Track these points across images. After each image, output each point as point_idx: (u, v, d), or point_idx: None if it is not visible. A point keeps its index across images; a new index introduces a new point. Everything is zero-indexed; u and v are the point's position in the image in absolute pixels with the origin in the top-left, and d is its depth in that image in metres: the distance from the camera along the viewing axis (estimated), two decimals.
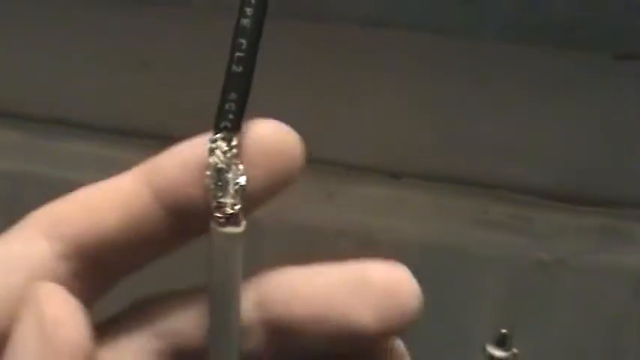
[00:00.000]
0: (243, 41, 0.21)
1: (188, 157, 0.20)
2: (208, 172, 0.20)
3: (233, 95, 0.21)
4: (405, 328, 0.20)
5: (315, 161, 0.42)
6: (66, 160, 0.44)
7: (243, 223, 0.20)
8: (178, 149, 0.21)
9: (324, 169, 0.42)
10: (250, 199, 0.20)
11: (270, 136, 0.21)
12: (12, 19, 0.42)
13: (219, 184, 0.20)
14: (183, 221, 0.20)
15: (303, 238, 0.43)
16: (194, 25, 0.39)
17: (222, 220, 0.20)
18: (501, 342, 0.39)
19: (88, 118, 0.44)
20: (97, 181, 0.45)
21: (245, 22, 0.21)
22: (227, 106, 0.21)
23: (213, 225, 0.20)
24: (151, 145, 0.43)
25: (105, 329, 0.21)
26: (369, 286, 0.20)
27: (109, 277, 0.21)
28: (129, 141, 0.43)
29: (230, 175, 0.20)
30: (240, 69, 0.21)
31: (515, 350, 0.39)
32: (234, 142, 0.20)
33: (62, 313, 0.18)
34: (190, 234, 0.21)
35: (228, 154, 0.20)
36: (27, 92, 0.44)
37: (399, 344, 0.23)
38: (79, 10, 0.40)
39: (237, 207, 0.20)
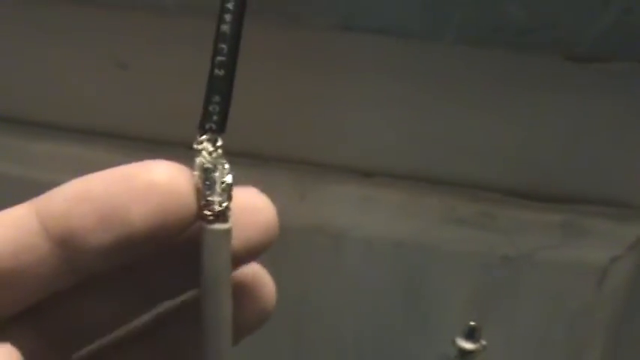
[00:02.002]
0: (224, 46, 0.22)
1: (80, 190, 0.19)
2: (196, 172, 0.21)
3: (216, 98, 0.22)
4: (180, 228, 0.19)
5: (288, 161, 0.43)
6: (39, 161, 0.44)
7: (231, 219, 0.21)
8: (72, 184, 0.19)
9: (297, 169, 0.42)
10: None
11: (248, 208, 0.22)
12: None
13: (207, 183, 0.21)
14: (72, 254, 0.18)
15: (278, 236, 0.43)
16: (171, 27, 0.39)
17: (211, 217, 0.21)
18: (470, 334, 0.40)
19: (63, 119, 0.44)
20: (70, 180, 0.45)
21: (225, 27, 0.22)
22: (211, 108, 0.22)
23: (202, 222, 0.20)
24: (127, 146, 0.44)
25: None
26: (148, 187, 0.18)
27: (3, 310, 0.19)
28: (105, 142, 0.44)
29: (217, 174, 0.21)
30: (222, 72, 0.22)
31: (483, 342, 0.40)
32: (219, 143, 0.21)
33: None
34: (83, 270, 0.19)
35: (214, 155, 0.21)
36: (4, 94, 0.44)
37: (258, 271, 0.23)
38: (54, 10, 0.40)
39: (224, 204, 0.21)
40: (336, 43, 0.38)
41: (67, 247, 0.18)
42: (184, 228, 0.19)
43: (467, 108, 0.39)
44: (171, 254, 0.21)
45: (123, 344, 0.23)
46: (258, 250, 0.22)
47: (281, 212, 0.42)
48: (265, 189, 0.43)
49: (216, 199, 0.21)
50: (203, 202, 0.21)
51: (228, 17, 0.22)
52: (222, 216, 0.21)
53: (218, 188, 0.21)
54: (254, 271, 0.24)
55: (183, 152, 0.41)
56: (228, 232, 0.21)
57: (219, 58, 0.22)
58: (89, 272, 0.19)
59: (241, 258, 0.21)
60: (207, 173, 0.21)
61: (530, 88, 0.37)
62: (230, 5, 0.21)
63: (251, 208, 0.22)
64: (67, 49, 0.42)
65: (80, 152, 0.44)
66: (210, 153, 0.21)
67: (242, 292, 0.22)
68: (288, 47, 0.39)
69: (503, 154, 0.40)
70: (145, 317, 0.23)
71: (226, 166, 0.21)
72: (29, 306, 0.19)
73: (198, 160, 0.21)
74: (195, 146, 0.21)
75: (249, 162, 0.42)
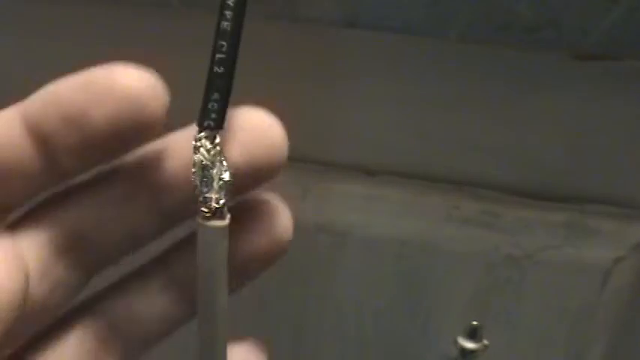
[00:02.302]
0: (224, 43, 0.22)
1: (51, 94, 0.20)
2: (194, 170, 0.21)
3: (215, 95, 0.22)
4: (146, 130, 0.19)
5: (291, 159, 0.43)
6: None
7: (228, 216, 0.21)
8: (48, 88, 0.20)
9: (300, 167, 0.42)
10: (234, 188, 0.21)
11: (255, 127, 0.22)
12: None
13: (205, 180, 0.21)
14: (50, 154, 0.19)
15: None
16: (171, 23, 0.40)
17: (208, 214, 0.21)
18: (472, 334, 0.40)
19: None
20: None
21: (225, 24, 0.22)
22: (210, 106, 0.22)
23: (199, 219, 0.20)
24: None
25: None
26: (108, 90, 0.19)
27: None
28: None
29: (214, 172, 0.21)
30: (221, 70, 0.22)
31: (485, 342, 0.40)
32: (217, 140, 0.21)
33: None
34: (64, 170, 0.20)
35: (212, 152, 0.21)
36: (2, 90, 0.44)
37: (272, 198, 0.23)
38: (55, 6, 0.40)
39: (221, 201, 0.21)
40: (340, 41, 0.38)
41: (45, 148, 0.19)
42: (151, 130, 0.20)
43: (471, 106, 0.39)
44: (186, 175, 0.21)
45: (141, 273, 0.23)
46: (264, 171, 0.22)
47: None
48: (267, 187, 0.43)
49: (213, 195, 0.21)
50: (200, 199, 0.20)
51: (228, 14, 0.22)
52: (219, 213, 0.21)
53: (215, 185, 0.21)
54: (268, 198, 0.24)
55: None
56: (224, 229, 0.21)
57: (219, 55, 0.22)
58: (71, 171, 0.20)
59: (247, 180, 0.21)
60: (204, 170, 0.21)
61: (536, 87, 0.37)
62: (230, 2, 0.21)
63: (257, 125, 0.22)
64: (69, 45, 0.42)
65: None
66: (208, 150, 0.21)
67: (254, 219, 0.22)
68: (290, 44, 0.38)
69: (507, 152, 0.40)
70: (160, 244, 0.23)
71: (224, 163, 0.21)
72: (18, 205, 0.20)
73: (196, 157, 0.21)
74: (193, 143, 0.21)
75: None
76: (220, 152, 0.21)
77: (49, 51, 0.42)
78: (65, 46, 0.42)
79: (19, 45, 0.43)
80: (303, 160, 0.42)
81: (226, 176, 0.21)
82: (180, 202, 0.22)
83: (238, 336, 0.23)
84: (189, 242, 0.23)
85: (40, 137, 0.19)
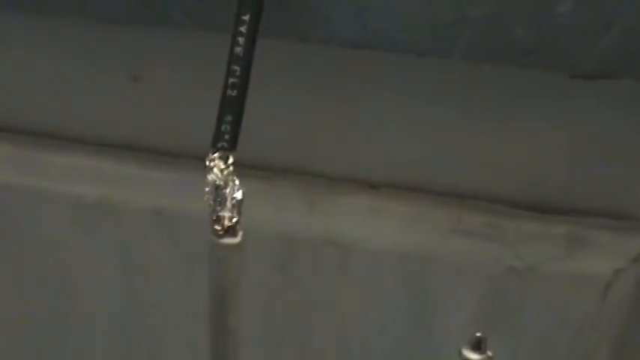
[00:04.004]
0: (237, 68, 0.23)
1: None
2: (207, 189, 0.21)
3: (228, 117, 0.23)
4: None
5: (296, 173, 0.44)
6: (56, 172, 0.45)
7: (240, 234, 0.22)
8: None
9: (305, 181, 0.43)
10: None
11: None
12: (1, 34, 0.43)
13: (218, 199, 0.21)
14: None
15: (283, 248, 0.44)
16: (184, 41, 0.40)
17: (221, 232, 0.21)
18: (476, 346, 0.40)
19: (78, 131, 0.45)
20: (83, 192, 0.46)
21: (238, 50, 0.23)
22: (223, 128, 0.23)
23: (212, 237, 0.21)
24: (140, 158, 0.45)
25: None
26: None
27: None
28: (117, 153, 0.44)
29: (227, 191, 0.22)
30: (234, 93, 0.23)
31: (489, 353, 0.40)
32: (230, 160, 0.22)
33: None
34: None
35: (225, 172, 0.22)
36: (17, 105, 0.45)
37: None
38: (67, 24, 0.41)
39: (234, 219, 0.21)
40: (346, 61, 0.39)
41: None
42: None
43: (473, 121, 0.39)
44: None
45: None
46: None
47: (289, 224, 0.43)
48: (273, 201, 0.44)
49: (226, 214, 0.21)
50: (214, 218, 0.21)
51: (241, 40, 0.23)
52: (232, 231, 0.21)
53: (229, 204, 0.22)
54: None
55: (195, 164, 0.42)
56: (237, 246, 0.22)
57: (232, 79, 0.23)
58: None
59: None
60: (218, 190, 0.22)
61: (536, 104, 0.38)
62: (243, 29, 0.22)
63: None
64: (81, 63, 0.42)
65: (94, 164, 0.44)
66: (221, 170, 0.22)
67: None
68: (298, 64, 0.39)
69: (509, 166, 0.40)
70: None
71: (237, 182, 0.22)
72: None
73: (210, 177, 0.22)
74: (207, 163, 0.22)
75: (258, 174, 0.43)
76: (233, 172, 0.22)
77: (59, 67, 0.43)
78: (74, 63, 0.43)
79: (31, 61, 0.44)
80: (308, 174, 0.43)
81: (239, 195, 0.22)
82: None
83: None
84: None
85: None
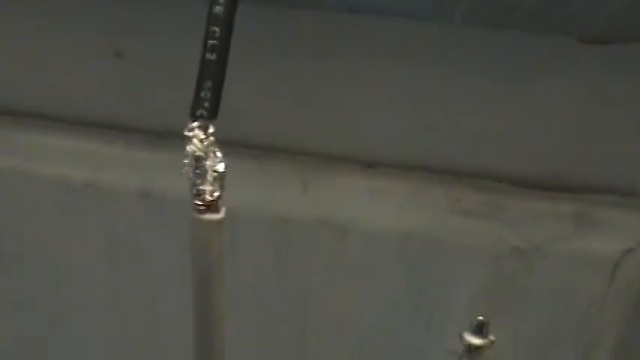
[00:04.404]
0: (216, 29, 0.21)
1: None
2: (186, 161, 0.20)
3: (208, 83, 0.21)
4: None
5: (290, 151, 0.42)
6: (39, 153, 0.43)
7: (223, 209, 0.20)
8: None
9: (299, 160, 0.42)
10: None
11: None
12: None
13: (198, 171, 0.20)
14: None
15: (277, 230, 0.42)
16: (168, 13, 0.39)
17: (202, 207, 0.20)
18: (478, 330, 0.39)
19: (62, 110, 0.43)
20: (70, 174, 0.45)
21: (217, 9, 0.21)
22: (202, 94, 0.21)
23: (193, 213, 0.20)
24: (127, 138, 0.43)
25: None
26: None
27: None
28: (103, 134, 0.43)
29: (208, 163, 0.20)
30: (214, 57, 0.21)
31: (492, 338, 0.39)
32: (210, 130, 0.20)
33: None
34: None
35: (205, 142, 0.20)
36: None
37: None
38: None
39: (216, 194, 0.20)
40: (340, 26, 0.37)
41: None
42: None
43: (475, 94, 0.38)
44: None
45: None
46: None
47: (282, 205, 0.42)
48: (267, 180, 0.43)
49: (207, 188, 0.20)
50: (194, 192, 0.20)
51: None
52: (214, 206, 0.20)
53: (209, 177, 0.20)
54: None
55: (181, 144, 0.41)
56: (220, 222, 0.20)
57: (211, 41, 0.21)
58: None
59: None
60: (198, 162, 0.20)
61: (542, 72, 0.36)
62: None
63: None
64: (63, 38, 0.41)
65: (78, 145, 0.43)
66: (201, 140, 0.20)
67: None
68: (288, 30, 0.38)
69: (511, 142, 0.39)
70: None
71: (218, 154, 0.20)
72: None
73: (189, 148, 0.20)
74: (186, 133, 0.20)
75: (250, 153, 0.41)
76: (214, 143, 0.20)
77: (41, 42, 0.42)
78: (56, 37, 0.41)
79: (13, 38, 0.42)
80: (302, 153, 0.42)
81: (220, 167, 0.20)
82: None
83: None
84: None
85: None
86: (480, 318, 0.39)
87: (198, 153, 0.20)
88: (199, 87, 0.20)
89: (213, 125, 0.20)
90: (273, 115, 0.41)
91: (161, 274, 0.45)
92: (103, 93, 0.42)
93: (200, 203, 0.20)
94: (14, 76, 0.43)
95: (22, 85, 0.43)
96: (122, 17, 0.40)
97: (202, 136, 0.20)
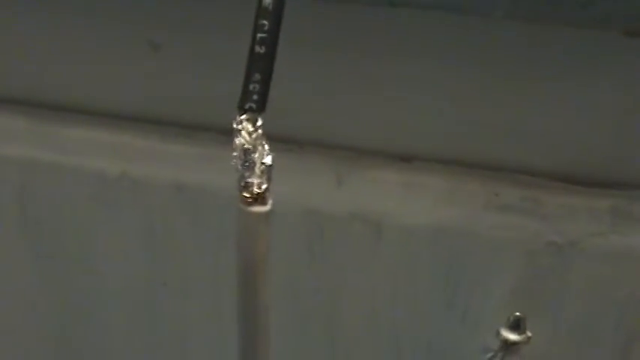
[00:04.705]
0: (266, 22, 0.21)
1: None
2: (235, 153, 0.20)
3: (257, 76, 0.21)
4: None
5: (324, 145, 0.42)
6: (74, 146, 0.44)
7: (270, 202, 0.20)
8: None
9: (334, 154, 0.41)
10: None
11: None
12: (18, 5, 0.42)
13: (246, 164, 0.20)
14: None
15: (310, 224, 0.42)
16: (205, 6, 0.39)
17: (250, 199, 0.20)
18: (515, 325, 0.39)
19: (97, 103, 0.44)
20: (105, 166, 0.45)
21: (267, 2, 0.21)
22: (251, 87, 0.21)
23: (240, 204, 0.20)
24: (162, 131, 0.44)
25: None
26: None
27: None
28: (139, 127, 0.43)
29: (256, 156, 0.20)
30: (263, 50, 0.21)
31: (529, 334, 0.39)
32: (259, 123, 0.20)
33: None
34: None
35: (254, 135, 0.20)
36: (35, 79, 0.44)
37: None
38: None
39: (264, 186, 0.20)
40: (380, 20, 0.37)
41: None
42: None
43: (512, 88, 0.37)
44: None
45: None
46: None
47: (317, 198, 0.41)
48: (301, 174, 0.43)
49: (255, 180, 0.20)
50: (242, 184, 0.20)
51: None
52: (261, 198, 0.20)
53: (257, 170, 0.20)
54: None
55: (218, 138, 0.41)
56: (267, 215, 0.20)
57: (260, 34, 0.21)
58: None
59: None
60: (246, 154, 0.20)
61: (584, 66, 0.36)
62: None
63: None
64: (99, 32, 0.41)
65: (114, 138, 0.43)
66: (250, 133, 0.20)
67: None
68: (330, 24, 0.37)
69: (549, 136, 0.38)
70: None
71: (266, 147, 0.20)
72: None
73: (238, 140, 0.20)
74: (234, 126, 0.20)
75: (285, 147, 0.41)
76: (262, 135, 0.20)
77: (76, 35, 0.42)
78: (91, 30, 0.42)
79: (47, 32, 0.42)
80: (337, 147, 0.41)
81: (268, 160, 0.20)
82: None
83: None
84: None
85: None
86: (517, 314, 0.39)
87: (247, 146, 0.20)
88: (248, 80, 0.20)
89: (262, 118, 0.20)
90: (309, 108, 0.41)
91: (195, 265, 0.45)
92: (139, 86, 0.42)
93: (248, 195, 0.20)
94: (50, 68, 0.43)
95: (58, 77, 0.44)
96: (159, 9, 0.40)
97: (251, 129, 0.20)
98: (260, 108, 0.21)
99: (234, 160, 0.20)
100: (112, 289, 0.48)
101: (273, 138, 0.42)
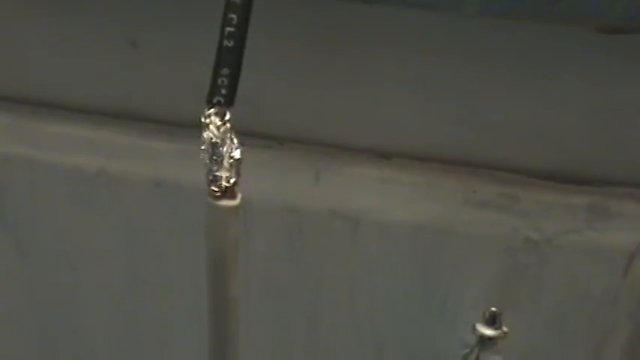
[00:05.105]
0: (234, 16, 0.21)
1: None
2: (203, 147, 0.20)
3: (225, 70, 0.21)
4: None
5: (302, 141, 0.42)
6: (52, 142, 0.44)
7: (239, 196, 0.20)
8: None
9: (311, 150, 0.41)
10: None
11: None
12: None
13: (214, 158, 0.20)
14: None
15: (289, 220, 0.42)
16: (182, 2, 0.39)
17: (218, 193, 0.20)
18: (491, 321, 0.39)
19: (74, 99, 0.43)
20: (83, 162, 0.45)
21: None
22: (219, 81, 0.21)
23: (209, 199, 0.20)
24: (140, 127, 0.43)
25: None
26: None
27: None
28: (118, 123, 0.43)
29: (224, 149, 0.20)
30: (231, 44, 0.21)
31: (505, 329, 0.39)
32: (227, 117, 0.20)
33: None
34: None
35: (222, 129, 0.20)
36: (13, 75, 0.44)
37: None
38: None
39: (232, 180, 0.20)
40: (354, 16, 0.37)
41: None
42: None
43: (489, 84, 0.37)
44: None
45: None
46: None
47: (296, 194, 0.41)
48: (278, 171, 0.43)
49: (223, 174, 0.20)
50: (210, 178, 0.20)
51: None
52: (230, 192, 0.20)
53: (226, 163, 0.20)
54: None
55: (195, 133, 0.41)
56: (236, 209, 0.20)
57: (229, 28, 0.21)
58: None
59: None
60: (214, 148, 0.20)
61: (557, 63, 0.36)
62: None
63: None
64: (78, 28, 0.41)
65: (92, 134, 0.43)
66: (218, 127, 0.20)
67: None
68: (303, 19, 0.37)
69: (525, 133, 0.38)
70: None
71: (235, 140, 0.20)
72: None
73: (206, 134, 0.20)
74: (202, 120, 0.20)
75: (262, 142, 0.41)
76: (230, 129, 0.20)
77: (54, 32, 0.42)
78: (70, 27, 0.41)
79: (26, 27, 0.42)
80: (315, 143, 0.41)
81: (237, 154, 0.20)
82: None
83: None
84: None
85: None
86: (493, 309, 0.39)
87: (215, 139, 0.20)
88: (216, 74, 0.20)
89: (230, 112, 0.20)
90: (286, 104, 0.41)
91: (175, 262, 0.45)
92: (117, 82, 0.42)
93: (216, 189, 0.20)
94: (28, 65, 0.43)
95: (35, 73, 0.43)
96: (136, 6, 0.40)
97: (219, 123, 0.20)
98: (228, 102, 0.21)
99: (202, 154, 0.20)
100: (92, 286, 0.48)
101: (251, 134, 0.42)
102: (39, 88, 0.44)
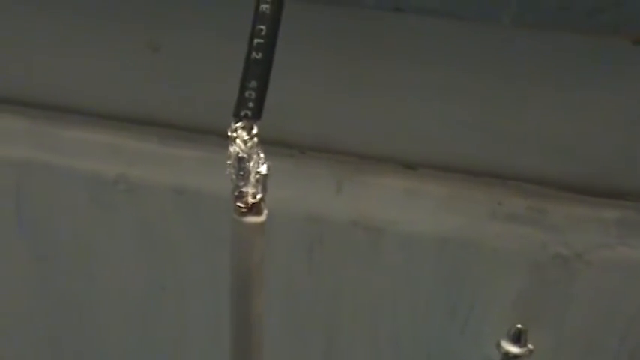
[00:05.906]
0: (263, 27, 0.20)
1: None
2: (229, 162, 0.19)
3: (253, 83, 0.20)
4: None
5: (325, 150, 0.42)
6: (71, 147, 0.43)
7: (265, 212, 0.19)
8: None
9: (335, 159, 0.41)
10: None
11: None
12: (16, 3, 0.41)
13: (241, 173, 0.19)
14: None
15: (310, 230, 0.42)
16: (205, 8, 0.38)
17: (244, 209, 0.19)
18: (516, 337, 0.38)
19: (94, 105, 0.43)
20: (102, 168, 0.45)
21: (264, 7, 0.20)
22: (247, 94, 0.20)
23: (234, 215, 0.19)
24: (159, 133, 0.43)
25: None
26: None
27: None
28: (136, 129, 0.42)
29: (251, 165, 0.19)
30: (259, 56, 0.20)
31: (530, 346, 0.38)
32: (254, 131, 0.20)
33: None
34: None
35: (249, 143, 0.20)
36: (33, 79, 0.43)
37: None
38: None
39: (258, 196, 0.19)
40: (385, 26, 0.36)
41: None
42: None
43: (518, 95, 0.37)
44: None
45: None
46: None
47: (317, 204, 0.41)
48: (302, 180, 0.42)
49: (249, 190, 0.19)
50: (236, 194, 0.19)
51: None
52: (256, 209, 0.19)
53: (252, 179, 0.19)
54: None
55: (217, 141, 0.40)
56: (261, 226, 0.19)
57: (257, 40, 0.20)
58: None
59: None
60: (241, 163, 0.19)
61: (592, 74, 0.35)
62: None
63: None
64: (98, 33, 0.41)
65: (112, 140, 0.43)
66: (245, 142, 0.20)
67: None
68: (331, 29, 0.37)
69: (556, 145, 0.38)
70: None
71: (261, 155, 0.19)
72: None
73: (232, 149, 0.19)
74: (229, 134, 0.20)
75: (285, 152, 0.41)
76: (258, 144, 0.20)
77: (76, 37, 0.41)
78: (91, 32, 0.41)
79: (47, 33, 0.42)
80: (337, 152, 0.41)
81: (263, 169, 0.20)
82: None
83: None
84: None
85: None
86: (519, 326, 0.38)
87: (242, 154, 0.19)
88: (244, 87, 0.20)
89: (257, 126, 0.20)
90: (309, 113, 0.40)
91: (193, 271, 0.45)
92: (138, 87, 0.42)
93: (242, 206, 0.19)
94: (48, 69, 0.43)
95: (56, 79, 0.43)
96: (159, 11, 0.39)
97: (246, 137, 0.19)
98: (256, 115, 0.20)
99: (229, 170, 0.19)
100: (110, 292, 0.47)
101: (273, 143, 0.41)
102: (59, 92, 0.43)
